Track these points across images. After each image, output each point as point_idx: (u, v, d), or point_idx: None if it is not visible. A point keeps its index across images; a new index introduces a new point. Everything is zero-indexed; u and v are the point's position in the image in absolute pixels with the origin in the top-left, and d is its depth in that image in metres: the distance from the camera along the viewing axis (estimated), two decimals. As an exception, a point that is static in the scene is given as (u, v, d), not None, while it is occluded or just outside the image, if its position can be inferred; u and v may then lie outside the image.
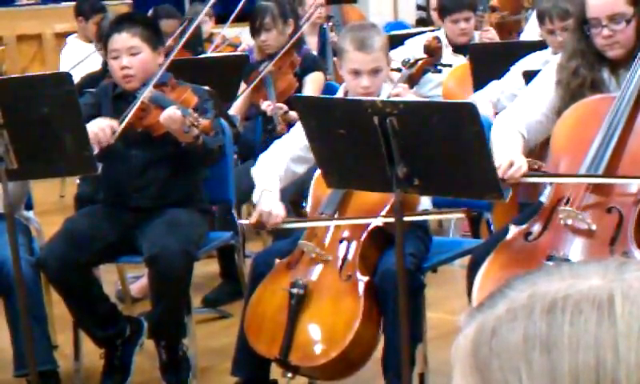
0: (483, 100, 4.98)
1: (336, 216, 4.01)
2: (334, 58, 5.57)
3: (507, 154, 3.68)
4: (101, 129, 4.19)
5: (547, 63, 4.33)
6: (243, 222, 4.02)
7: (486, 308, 0.99)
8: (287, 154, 4.13)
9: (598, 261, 0.99)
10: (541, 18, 5.02)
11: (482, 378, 0.96)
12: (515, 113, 3.96)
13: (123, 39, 4.38)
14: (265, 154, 4.21)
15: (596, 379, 0.90)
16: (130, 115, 4.24)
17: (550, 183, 3.82)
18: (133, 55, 4.37)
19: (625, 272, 0.96)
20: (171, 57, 4.49)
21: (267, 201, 3.98)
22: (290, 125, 5.32)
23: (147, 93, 4.29)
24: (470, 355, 0.97)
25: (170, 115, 4.10)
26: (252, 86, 5.80)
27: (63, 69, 6.32)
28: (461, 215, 3.96)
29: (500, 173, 3.56)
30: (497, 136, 3.88)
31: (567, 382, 0.91)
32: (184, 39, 4.93)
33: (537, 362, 0.92)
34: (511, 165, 3.62)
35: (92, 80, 5.60)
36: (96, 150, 4.12)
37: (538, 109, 3.92)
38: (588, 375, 0.90)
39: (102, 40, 5.56)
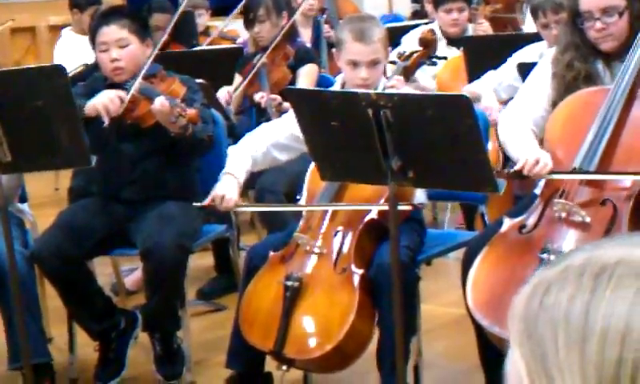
0: (488, 92, 4.98)
1: (330, 209, 4.01)
2: (331, 50, 5.56)
3: (531, 151, 3.67)
4: (110, 99, 4.21)
5: (542, 56, 4.33)
6: (197, 205, 4.04)
7: (550, 266, 1.03)
8: (270, 139, 4.13)
9: None
10: (535, 13, 5.02)
11: (527, 331, 0.99)
12: (520, 109, 3.95)
13: (111, 31, 4.38)
14: (249, 134, 4.22)
15: (621, 342, 0.93)
16: (134, 87, 4.25)
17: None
18: (121, 47, 4.37)
19: None
20: (157, 48, 4.47)
21: (223, 184, 4.01)
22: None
23: (136, 84, 4.29)
24: (523, 307, 1.01)
25: (158, 105, 4.10)
26: (247, 79, 5.80)
27: (57, 61, 6.30)
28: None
29: (525, 170, 3.56)
30: (510, 133, 3.86)
31: (595, 341, 0.94)
32: (169, 28, 4.89)
33: (574, 323, 0.96)
34: (537, 162, 3.60)
35: (86, 73, 5.59)
36: (106, 121, 4.15)
37: (539, 104, 3.92)
38: (615, 337, 0.93)
39: None
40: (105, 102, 4.19)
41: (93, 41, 4.47)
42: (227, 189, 3.99)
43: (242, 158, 4.09)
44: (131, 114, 4.30)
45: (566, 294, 0.98)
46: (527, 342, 0.99)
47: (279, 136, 4.13)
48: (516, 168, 3.61)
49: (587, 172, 3.61)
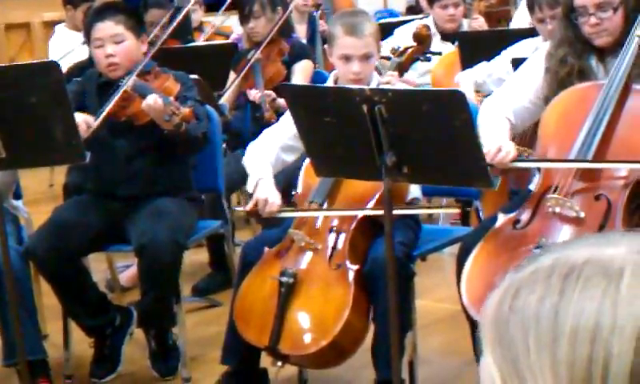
0: (467, 81, 4.99)
1: (325, 205, 4.01)
2: (324, 46, 5.56)
3: (495, 140, 3.69)
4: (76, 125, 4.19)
5: (537, 50, 4.33)
6: (239, 208, 4.02)
7: (518, 269, 1.03)
8: (277, 143, 4.12)
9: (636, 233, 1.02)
10: (531, 7, 5.02)
11: (498, 335, 0.99)
12: (502, 98, 3.96)
13: (107, 27, 4.37)
14: (254, 142, 4.20)
15: (591, 340, 0.93)
16: (108, 108, 4.23)
17: (539, 170, 3.83)
18: (117, 43, 4.36)
19: None
20: (157, 46, 4.47)
21: (264, 188, 3.96)
22: (278, 112, 5.32)
23: (130, 81, 4.28)
24: (494, 311, 1.01)
25: (151, 103, 4.10)
26: (242, 74, 5.79)
27: (51, 58, 6.29)
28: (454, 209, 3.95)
29: (488, 158, 3.55)
30: (484, 121, 3.88)
31: (565, 341, 0.95)
32: (172, 27, 4.89)
33: (544, 324, 0.96)
34: (499, 150, 3.62)
35: (80, 69, 5.58)
36: None
37: (525, 95, 3.93)
38: (585, 335, 0.94)
39: None
40: None
41: (88, 37, 4.46)
42: (269, 193, 3.94)
43: (264, 165, 4.06)
44: (125, 112, 4.29)
45: (535, 296, 0.98)
46: (499, 346, 0.99)
47: (284, 138, 4.11)
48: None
49: (550, 160, 3.64)
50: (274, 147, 4.11)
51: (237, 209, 4.05)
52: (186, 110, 4.09)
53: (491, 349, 1.00)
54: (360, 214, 3.90)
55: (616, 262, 0.97)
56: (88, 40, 4.47)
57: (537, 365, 0.95)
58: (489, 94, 4.65)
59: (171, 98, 4.14)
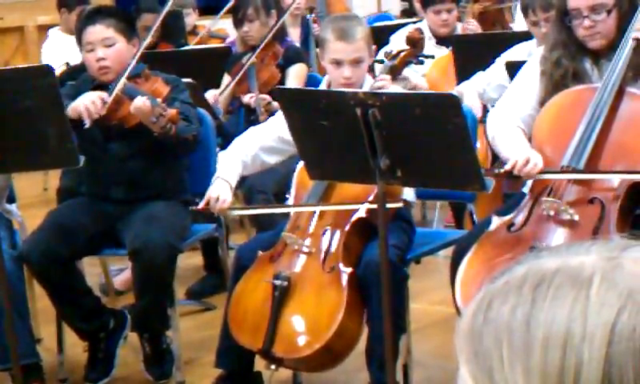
0: (471, 91, 4.98)
1: (319, 208, 4.01)
2: (317, 50, 5.56)
3: (521, 151, 3.67)
4: (91, 101, 4.19)
5: (531, 55, 4.34)
6: (193, 207, 4.08)
7: (493, 280, 1.02)
8: (258, 143, 4.13)
9: (605, 241, 1.02)
10: (525, 10, 5.03)
11: (472, 348, 0.99)
12: (507, 108, 3.95)
13: (97, 31, 4.37)
14: (239, 137, 4.22)
15: (562, 348, 0.93)
16: (118, 87, 4.24)
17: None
18: (107, 47, 4.36)
19: (624, 251, 0.99)
20: (142, 48, 4.44)
21: (217, 187, 4.03)
22: (272, 115, 5.32)
23: (120, 85, 4.28)
24: (469, 323, 1.01)
25: (139, 106, 4.10)
26: (237, 79, 5.79)
27: (45, 62, 6.28)
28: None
29: (516, 170, 3.56)
30: (499, 132, 3.86)
31: (538, 351, 0.94)
32: (154, 28, 4.85)
33: (517, 334, 0.96)
34: (527, 162, 3.60)
35: (73, 73, 5.58)
36: (87, 124, 4.14)
37: (528, 103, 3.92)
38: (556, 343, 0.94)
39: None
40: (86, 104, 4.17)
41: (79, 41, 4.46)
42: (221, 191, 4.00)
43: (232, 163, 4.10)
44: (115, 115, 4.29)
45: (507, 307, 0.98)
46: (474, 358, 0.99)
47: (267, 139, 4.13)
48: (506, 168, 3.62)
49: (577, 171, 3.62)
50: (253, 146, 4.12)
51: (192, 208, 4.12)
52: (172, 111, 4.09)
53: (467, 361, 1.00)
54: (334, 208, 3.90)
55: (586, 270, 0.97)
56: (80, 44, 4.46)
57: (510, 375, 0.95)
58: (491, 102, 4.67)
59: (159, 100, 4.14)
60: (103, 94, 4.23)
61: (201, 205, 4.03)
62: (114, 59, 4.35)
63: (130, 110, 4.18)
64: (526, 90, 3.95)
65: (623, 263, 0.97)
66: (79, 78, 4.59)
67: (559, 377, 0.93)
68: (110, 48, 4.36)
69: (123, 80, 4.29)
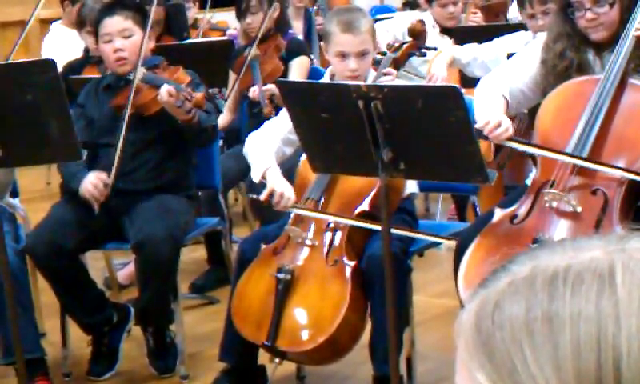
0: (445, 57, 4.95)
1: (322, 201, 4.01)
2: (320, 43, 5.55)
3: (494, 114, 3.69)
4: (93, 185, 4.23)
5: (528, 43, 4.33)
6: (253, 196, 3.98)
7: (489, 283, 1.00)
8: (278, 135, 4.09)
9: (600, 236, 1.00)
10: (521, 3, 5.01)
11: (485, 352, 0.96)
12: (500, 76, 3.95)
13: (116, 22, 4.39)
14: (255, 133, 4.17)
15: (597, 348, 0.91)
16: (138, 76, 4.26)
17: (535, 164, 3.82)
18: (125, 38, 4.38)
19: (626, 243, 0.97)
20: (146, 35, 4.43)
21: (278, 181, 3.91)
22: (277, 107, 5.31)
23: (139, 73, 4.30)
24: (474, 329, 0.98)
25: (165, 92, 4.09)
26: (241, 74, 5.78)
27: (46, 55, 6.28)
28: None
29: (486, 130, 3.57)
30: (481, 95, 3.88)
31: (569, 352, 0.92)
32: (149, 23, 4.83)
33: (539, 334, 0.93)
34: (498, 125, 3.62)
35: (73, 67, 5.58)
36: (96, 210, 4.23)
37: (521, 79, 3.92)
38: (590, 345, 0.91)
39: (80, 26, 5.55)
40: (89, 190, 4.24)
41: (96, 33, 4.47)
42: (284, 187, 3.89)
43: (269, 154, 4.01)
44: (134, 103, 4.29)
45: (520, 306, 0.95)
46: (489, 363, 0.96)
47: (284, 131, 4.09)
48: (476, 126, 3.62)
49: (554, 151, 3.64)
50: (275, 139, 4.09)
51: (252, 196, 4.02)
52: (198, 95, 4.09)
53: (480, 367, 0.96)
54: (376, 228, 3.79)
55: (601, 262, 0.95)
56: (96, 36, 4.48)
57: (539, 374, 0.93)
58: (472, 77, 4.66)
59: (183, 85, 4.15)
60: (102, 175, 4.25)
61: (263, 196, 3.90)
62: (131, 50, 4.37)
63: (150, 97, 4.20)
64: (523, 67, 3.95)
65: (632, 254, 0.96)
66: (81, 93, 4.57)
67: (597, 371, 0.91)
68: (128, 39, 4.38)
69: (141, 69, 4.30)
